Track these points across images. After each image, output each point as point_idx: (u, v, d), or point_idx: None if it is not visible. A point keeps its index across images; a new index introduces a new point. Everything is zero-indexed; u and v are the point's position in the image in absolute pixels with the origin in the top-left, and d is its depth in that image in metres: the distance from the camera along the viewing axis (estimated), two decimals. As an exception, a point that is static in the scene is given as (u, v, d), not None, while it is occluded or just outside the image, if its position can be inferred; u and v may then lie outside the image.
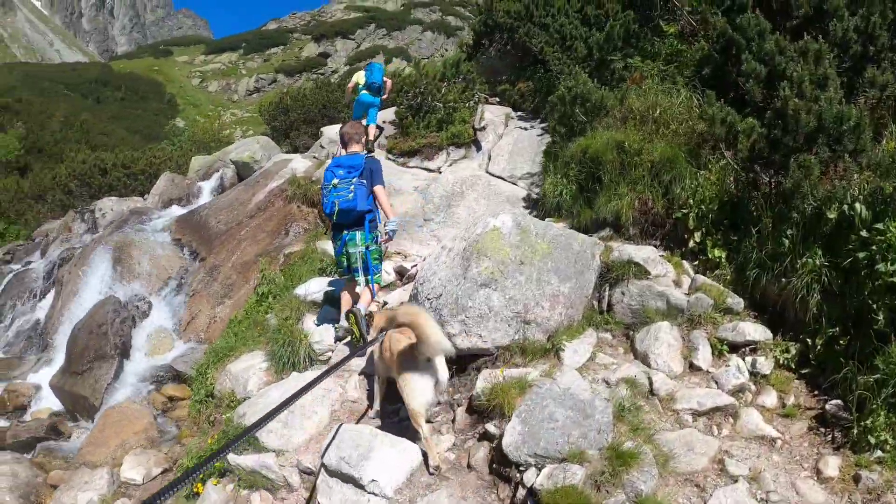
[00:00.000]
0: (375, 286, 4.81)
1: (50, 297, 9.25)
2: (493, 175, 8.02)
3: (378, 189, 4.62)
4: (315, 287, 5.63)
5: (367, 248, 4.60)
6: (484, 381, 3.80)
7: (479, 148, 8.61)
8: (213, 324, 6.97)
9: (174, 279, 8.10)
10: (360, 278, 4.66)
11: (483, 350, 4.10)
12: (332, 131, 11.05)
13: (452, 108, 8.92)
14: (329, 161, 9.81)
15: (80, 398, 6.48)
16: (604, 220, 5.52)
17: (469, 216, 7.10)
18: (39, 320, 9.05)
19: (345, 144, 4.91)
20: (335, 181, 4.60)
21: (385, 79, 9.59)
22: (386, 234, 4.70)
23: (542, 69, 10.74)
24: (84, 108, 40.18)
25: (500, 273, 4.16)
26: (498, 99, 11.44)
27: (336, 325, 4.97)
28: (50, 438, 6.04)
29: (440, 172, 8.27)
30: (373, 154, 8.59)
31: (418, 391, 3.41)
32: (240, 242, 7.92)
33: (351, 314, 4.55)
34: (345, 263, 4.75)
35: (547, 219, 6.20)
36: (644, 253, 4.60)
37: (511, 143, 8.54)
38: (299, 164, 9.62)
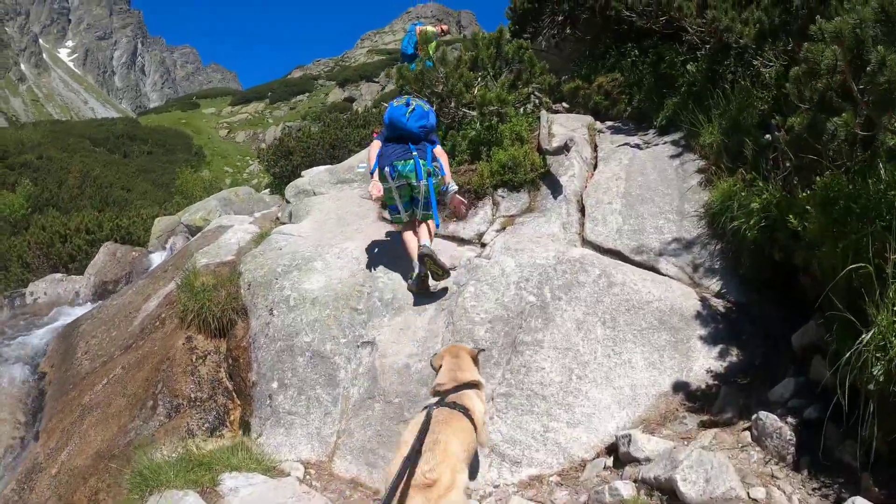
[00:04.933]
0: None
1: None
2: (598, 248, 3.70)
3: (439, 149, 4.01)
4: None
5: (429, 174, 3.87)
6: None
7: (556, 191, 4.26)
8: None
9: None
10: (420, 213, 3.97)
11: None
12: (310, 175, 7.06)
13: (497, 116, 4.66)
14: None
15: None
16: None
17: (568, 381, 2.81)
18: None
19: None
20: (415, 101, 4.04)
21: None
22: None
23: (635, 50, 6.75)
24: (109, 163, 39.36)
25: None
26: (566, 105, 7.22)
27: (410, 277, 3.97)
28: None
29: (483, 246, 3.99)
30: None
31: None
32: (84, 414, 3.78)
33: (427, 258, 3.75)
34: (395, 199, 3.98)
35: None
36: None
37: (621, 175, 4.23)
38: (239, 233, 5.54)
